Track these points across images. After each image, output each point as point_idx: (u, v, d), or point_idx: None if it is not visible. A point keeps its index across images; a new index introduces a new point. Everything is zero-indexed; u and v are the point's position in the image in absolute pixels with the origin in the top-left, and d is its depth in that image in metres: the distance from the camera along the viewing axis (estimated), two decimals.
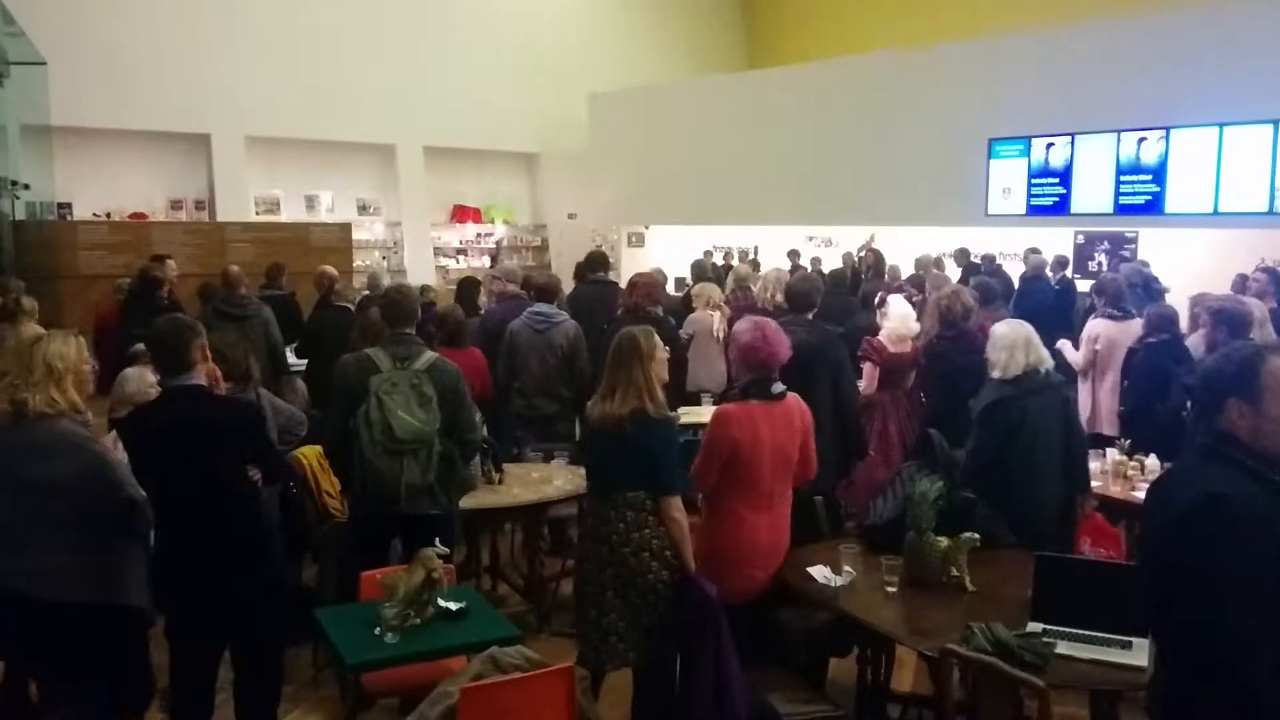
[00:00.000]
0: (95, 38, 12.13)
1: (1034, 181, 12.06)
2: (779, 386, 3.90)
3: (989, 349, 4.38)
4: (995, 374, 4.29)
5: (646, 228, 16.98)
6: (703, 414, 6.01)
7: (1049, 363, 4.38)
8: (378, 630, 3.35)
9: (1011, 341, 4.28)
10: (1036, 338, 4.34)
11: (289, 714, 4.11)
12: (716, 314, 7.38)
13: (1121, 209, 11.39)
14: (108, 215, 12.87)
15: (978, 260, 11.25)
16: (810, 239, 15.19)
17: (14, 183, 9.50)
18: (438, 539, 3.61)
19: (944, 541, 3.66)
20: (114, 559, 3.40)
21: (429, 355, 4.24)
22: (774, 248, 14.85)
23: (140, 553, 3.50)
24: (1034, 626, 3.24)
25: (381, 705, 4.06)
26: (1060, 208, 11.92)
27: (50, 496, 3.29)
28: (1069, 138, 11.71)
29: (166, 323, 3.60)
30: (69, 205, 12.73)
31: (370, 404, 4.04)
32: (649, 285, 6.64)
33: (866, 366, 6.08)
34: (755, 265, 12.51)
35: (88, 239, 11.54)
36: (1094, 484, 5.18)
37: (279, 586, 3.61)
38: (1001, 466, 4.14)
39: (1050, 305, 10.21)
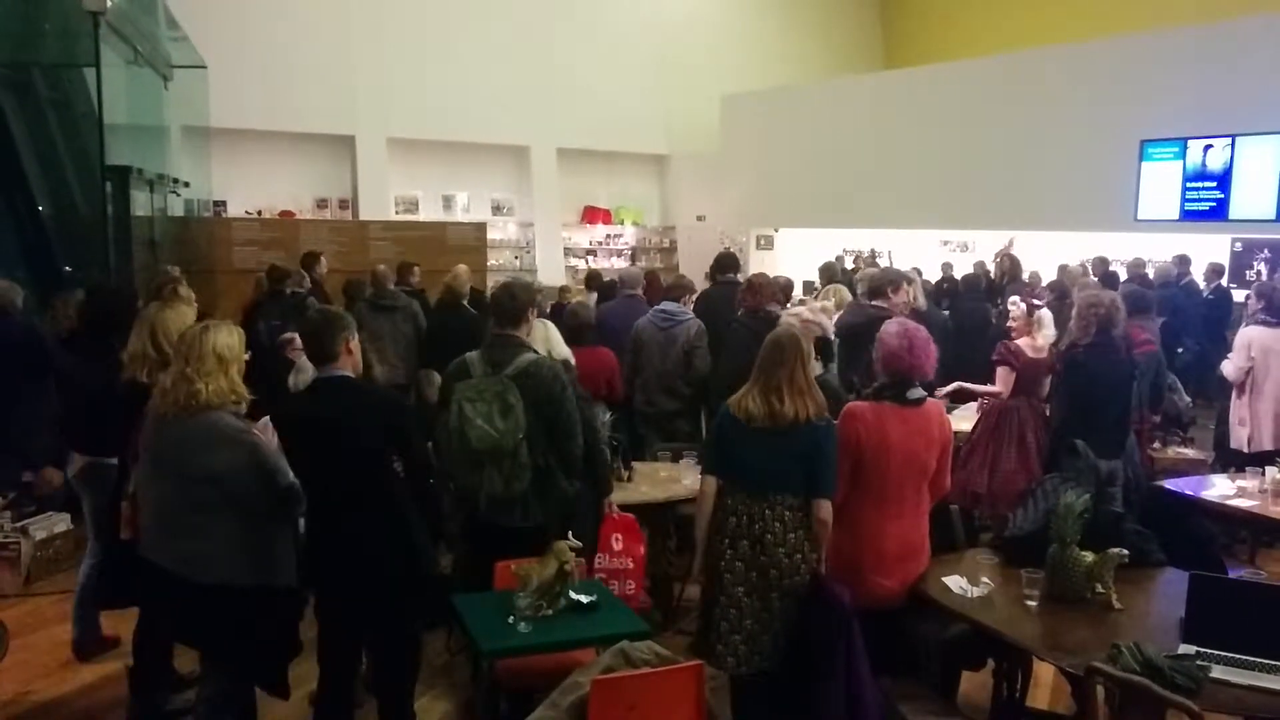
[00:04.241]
0: (252, 44, 12.71)
1: (1189, 185, 11.48)
2: (917, 393, 3.81)
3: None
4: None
5: (776, 230, 16.85)
6: None
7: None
8: (511, 619, 3.42)
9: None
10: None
11: (421, 696, 4.22)
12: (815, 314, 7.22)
13: None
14: (259, 213, 13.48)
15: (1114, 269, 10.80)
16: (945, 243, 14.83)
17: (175, 180, 10.04)
18: (571, 533, 3.66)
19: (1089, 556, 3.52)
20: (266, 543, 3.52)
21: (524, 359, 4.01)
22: (907, 252, 14.54)
23: (290, 534, 3.62)
24: (1186, 648, 3.09)
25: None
26: (1217, 213, 11.32)
27: (207, 485, 3.41)
28: (1228, 139, 11.11)
29: (319, 314, 3.72)
30: (224, 203, 13.37)
31: (451, 412, 3.92)
32: (768, 287, 6.61)
33: (1001, 371, 5.96)
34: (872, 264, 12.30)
35: (240, 235, 12.08)
36: (1252, 504, 4.96)
37: (424, 576, 3.64)
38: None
39: (1187, 312, 9.73)
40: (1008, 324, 6.24)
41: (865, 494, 3.73)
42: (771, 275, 8.35)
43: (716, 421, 3.73)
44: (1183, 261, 10.55)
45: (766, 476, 3.60)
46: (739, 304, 6.66)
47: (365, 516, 3.48)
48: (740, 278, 8.18)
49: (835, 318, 7.12)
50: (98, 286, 5.95)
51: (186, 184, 10.41)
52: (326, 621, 3.64)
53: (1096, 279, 10.46)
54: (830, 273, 9.79)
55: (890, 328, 3.93)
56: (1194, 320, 9.80)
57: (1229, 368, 6.56)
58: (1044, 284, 10.05)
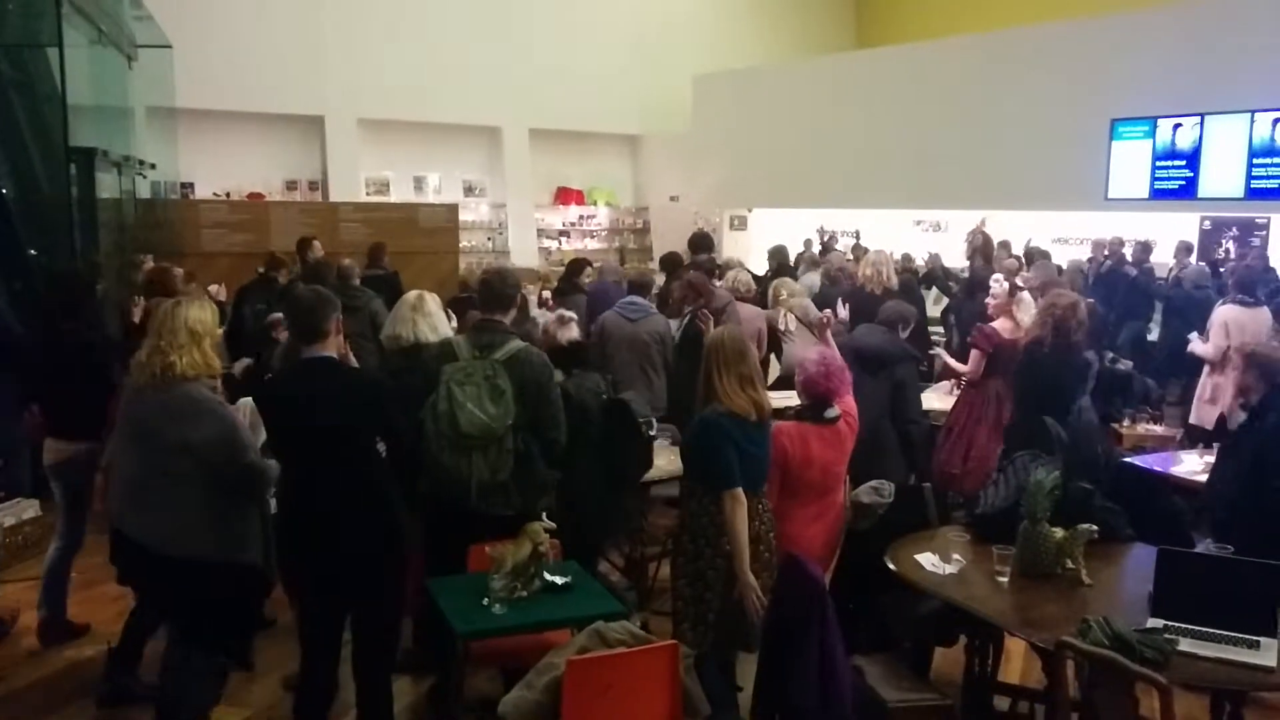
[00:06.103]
0: (218, 22, 12.51)
1: (1159, 164, 11.56)
2: (833, 412, 4.09)
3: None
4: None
5: (749, 211, 16.85)
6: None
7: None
8: (486, 601, 3.42)
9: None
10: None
11: (399, 679, 4.20)
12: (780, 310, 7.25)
13: (1253, 193, 10.85)
14: (227, 195, 13.30)
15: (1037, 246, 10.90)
16: (918, 223, 14.87)
17: (141, 162, 9.89)
18: (544, 515, 3.66)
19: (1059, 532, 3.57)
20: (234, 518, 3.54)
21: (513, 345, 3.93)
22: (880, 231, 14.56)
23: (258, 512, 3.63)
24: (1154, 622, 3.14)
25: (483, 674, 4.19)
26: (1186, 192, 11.42)
27: (180, 457, 3.43)
28: (1198, 118, 11.19)
29: (311, 291, 3.70)
30: (191, 185, 13.18)
31: (439, 394, 3.80)
32: (706, 285, 6.63)
33: (974, 354, 6.01)
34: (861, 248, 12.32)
35: (209, 217, 11.91)
36: None
37: (402, 555, 3.64)
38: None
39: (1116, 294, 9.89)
40: (986, 300, 6.28)
41: (793, 500, 4.02)
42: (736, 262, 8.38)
43: (719, 430, 3.69)
44: (1101, 246, 10.84)
45: (758, 472, 3.79)
46: (682, 306, 6.59)
47: (348, 497, 3.47)
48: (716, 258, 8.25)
49: (788, 308, 7.12)
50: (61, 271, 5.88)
51: (153, 166, 10.26)
52: (309, 603, 3.63)
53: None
54: (780, 257, 9.76)
55: (811, 355, 4.24)
56: (1120, 304, 9.98)
57: (1208, 347, 6.62)
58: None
